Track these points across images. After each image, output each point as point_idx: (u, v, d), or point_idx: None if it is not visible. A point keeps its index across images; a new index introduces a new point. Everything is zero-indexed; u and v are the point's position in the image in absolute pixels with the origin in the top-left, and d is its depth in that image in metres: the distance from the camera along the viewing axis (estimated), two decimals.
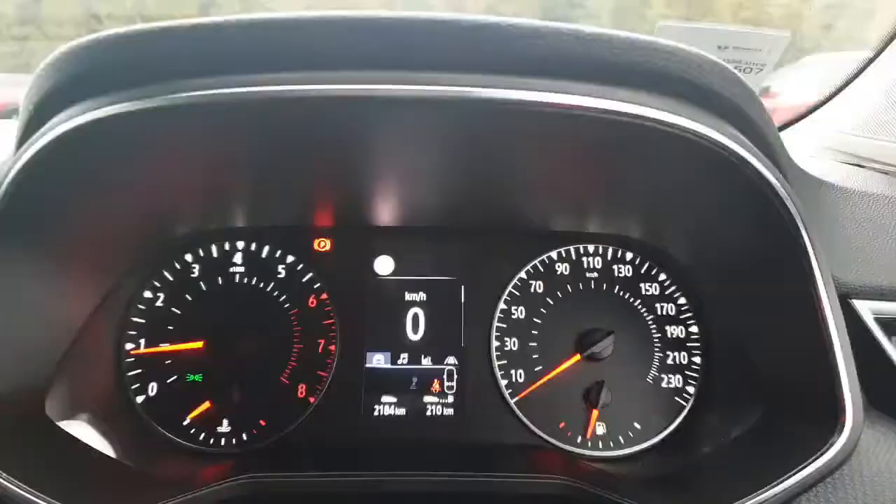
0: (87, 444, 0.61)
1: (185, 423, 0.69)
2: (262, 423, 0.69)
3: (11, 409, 0.55)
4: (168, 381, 0.69)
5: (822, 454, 0.51)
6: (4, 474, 0.49)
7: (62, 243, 0.58)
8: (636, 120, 0.47)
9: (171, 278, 0.71)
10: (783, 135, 1.02)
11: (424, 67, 0.46)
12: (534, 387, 0.71)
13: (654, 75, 0.47)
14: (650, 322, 0.72)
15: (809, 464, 0.51)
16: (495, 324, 0.73)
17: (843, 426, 0.52)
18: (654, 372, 0.71)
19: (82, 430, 0.62)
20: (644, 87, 0.48)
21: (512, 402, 0.70)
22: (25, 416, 0.57)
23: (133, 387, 0.69)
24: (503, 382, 0.71)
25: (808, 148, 0.99)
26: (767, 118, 0.54)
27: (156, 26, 0.47)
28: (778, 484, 0.51)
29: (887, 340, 0.59)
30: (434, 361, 0.73)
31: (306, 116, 0.50)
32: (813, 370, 0.54)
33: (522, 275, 0.74)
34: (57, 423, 0.59)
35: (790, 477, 0.51)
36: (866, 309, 0.59)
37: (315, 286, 0.72)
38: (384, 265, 0.74)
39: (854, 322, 0.59)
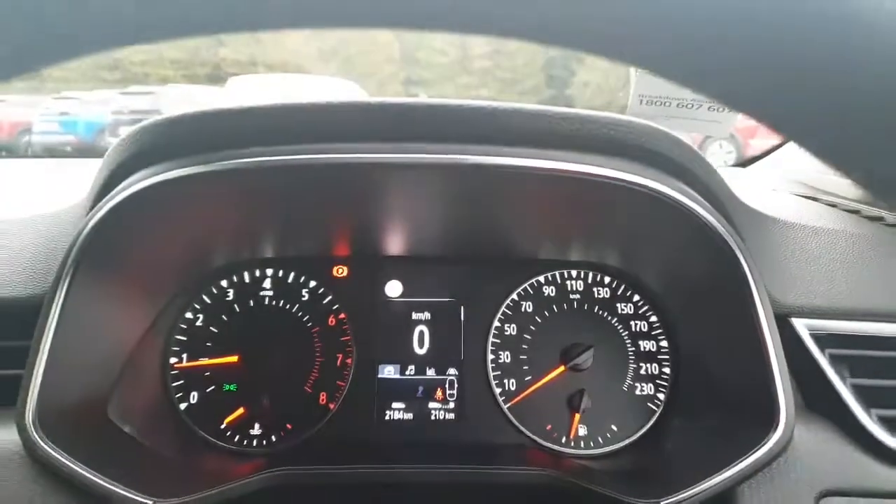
0: (140, 441, 0.71)
1: (221, 426, 0.79)
2: (289, 426, 0.79)
3: (81, 412, 0.66)
4: (207, 390, 0.80)
5: (760, 447, 0.61)
6: (77, 463, 0.60)
7: (125, 275, 0.69)
8: (599, 179, 0.59)
9: (209, 302, 0.82)
10: (762, 164, 1.14)
11: (430, 140, 0.58)
12: (524, 394, 0.81)
13: (614, 143, 0.59)
14: (625, 337, 0.82)
15: (750, 455, 0.61)
16: (490, 339, 0.83)
17: (778, 425, 0.62)
18: (629, 381, 0.81)
19: (136, 430, 0.73)
20: (605, 153, 0.60)
21: (505, 407, 0.81)
22: (92, 417, 0.68)
23: (177, 395, 0.79)
24: (497, 390, 0.81)
25: (774, 181, 1.09)
26: (711, 170, 0.65)
27: (210, 110, 0.59)
28: (724, 472, 0.61)
29: (820, 353, 0.68)
30: (437, 373, 0.83)
31: (333, 177, 0.62)
32: (755, 378, 0.65)
33: (514, 297, 0.84)
34: (117, 424, 0.70)
35: (734, 466, 0.61)
36: (803, 326, 0.69)
37: (334, 307, 0.83)
38: (394, 289, 0.85)
39: (793, 337, 0.69)
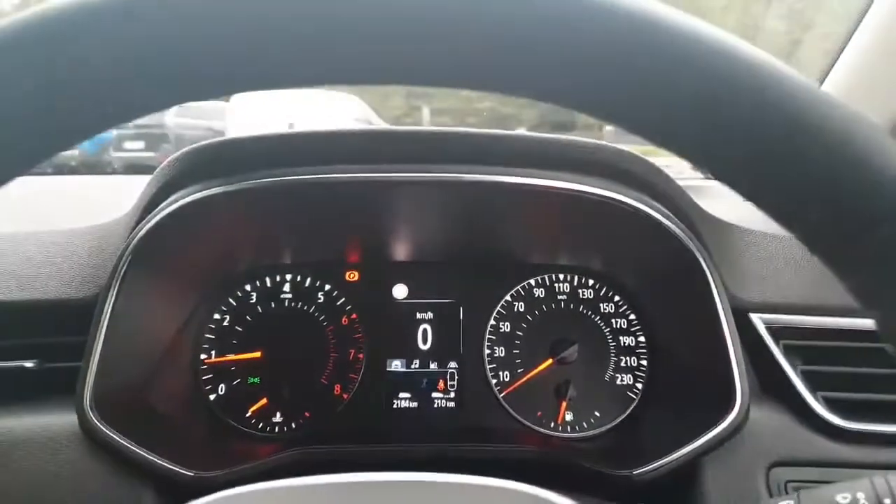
0: (176, 426, 0.81)
1: (247, 415, 0.88)
2: (307, 414, 0.89)
3: (127, 398, 0.76)
4: (233, 383, 0.89)
5: (719, 425, 0.71)
6: (128, 441, 0.69)
7: (165, 279, 0.79)
8: (578, 194, 0.70)
9: (234, 304, 0.91)
10: None
11: (433, 161, 0.70)
12: (517, 384, 0.90)
13: (590, 164, 0.70)
14: (607, 333, 0.91)
15: (710, 431, 0.71)
16: (487, 336, 0.92)
17: (735, 406, 0.71)
18: (610, 372, 0.90)
19: (172, 416, 0.82)
20: (583, 172, 0.70)
21: (500, 396, 0.90)
22: (136, 403, 0.77)
23: (206, 387, 0.89)
24: (493, 381, 0.91)
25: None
26: (674, 185, 0.76)
27: (247, 136, 0.71)
28: (689, 445, 0.71)
29: (774, 343, 0.77)
30: (439, 366, 0.92)
31: (349, 192, 0.73)
32: (716, 367, 0.74)
33: (508, 298, 0.94)
34: (157, 410, 0.80)
35: (697, 440, 0.71)
36: (759, 320, 0.78)
37: (346, 308, 0.92)
38: (400, 291, 0.94)
39: (751, 330, 0.78)
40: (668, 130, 0.25)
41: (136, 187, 0.78)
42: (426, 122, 7.05)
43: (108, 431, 0.69)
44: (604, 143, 0.72)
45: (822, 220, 0.26)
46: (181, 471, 0.69)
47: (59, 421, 0.71)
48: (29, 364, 0.74)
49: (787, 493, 0.70)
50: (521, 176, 0.73)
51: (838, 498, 0.45)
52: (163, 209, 0.70)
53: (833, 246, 0.28)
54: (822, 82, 0.90)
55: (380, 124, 6.46)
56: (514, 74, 0.24)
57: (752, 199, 0.27)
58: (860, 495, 0.44)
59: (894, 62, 0.80)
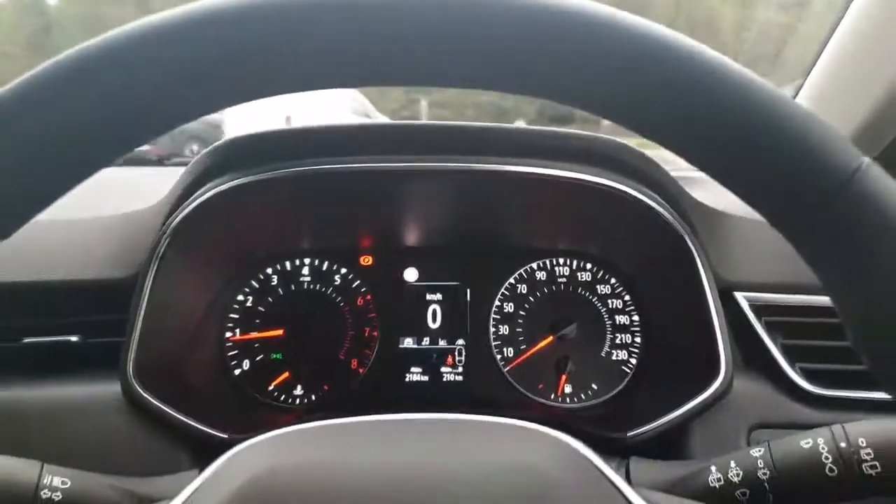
0: (206, 394, 0.88)
1: (270, 388, 0.95)
2: (326, 387, 0.96)
3: (164, 369, 0.82)
4: (257, 358, 0.96)
5: (705, 392, 0.78)
6: (167, 406, 0.76)
7: (197, 262, 0.86)
8: (575, 182, 0.77)
9: (256, 286, 0.98)
10: None
11: (441, 153, 0.77)
12: (520, 359, 0.97)
13: (586, 154, 0.77)
14: (604, 313, 0.98)
15: (697, 398, 0.78)
16: (492, 315, 0.99)
17: (720, 375, 0.78)
18: (606, 348, 0.97)
19: (201, 389, 0.89)
20: (580, 161, 0.77)
21: (504, 370, 0.97)
22: (172, 373, 0.84)
23: (232, 363, 0.96)
24: (497, 357, 0.98)
25: None
26: (665, 174, 0.83)
27: (274, 130, 0.78)
28: (677, 410, 0.78)
29: (756, 320, 0.84)
30: (448, 343, 0.99)
31: (365, 181, 0.80)
32: (703, 341, 0.80)
33: (511, 280, 1.00)
34: (188, 381, 0.87)
35: (685, 406, 0.78)
36: (743, 298, 0.84)
37: (362, 290, 0.99)
38: (411, 274, 1.00)
39: (736, 308, 0.85)
40: (646, 121, 0.32)
41: (133, 178, 0.85)
42: (424, 114, 7.09)
43: (149, 398, 0.76)
44: (601, 135, 0.79)
45: (780, 199, 0.33)
46: (215, 433, 0.76)
47: (102, 390, 0.78)
48: (73, 338, 0.81)
49: None
50: (524, 166, 0.80)
51: (802, 443, 0.53)
52: (199, 196, 0.77)
53: (790, 221, 0.34)
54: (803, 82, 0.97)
55: (377, 117, 6.52)
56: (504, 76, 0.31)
57: (722, 181, 0.34)
58: (820, 440, 0.51)
59: (860, 71, 0.86)
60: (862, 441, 0.49)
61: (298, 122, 0.87)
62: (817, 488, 0.50)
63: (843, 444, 0.50)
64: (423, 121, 0.81)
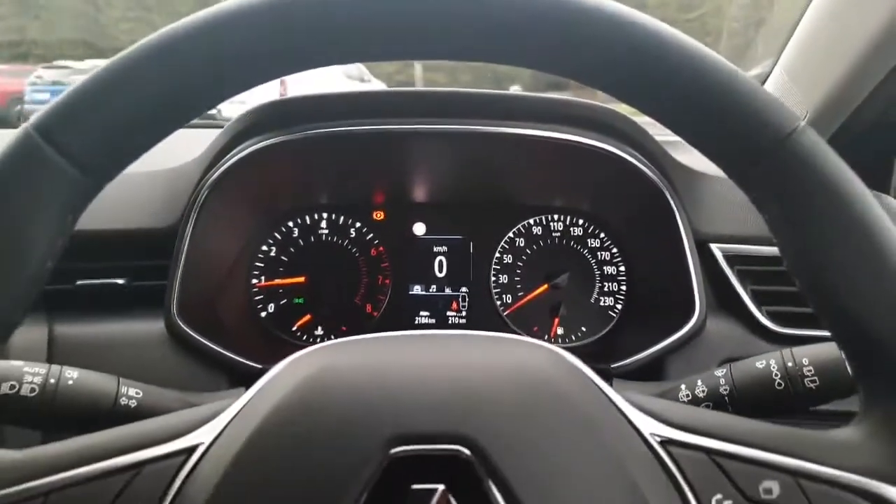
0: (238, 333, 0.98)
1: (293, 328, 1.06)
2: (343, 328, 1.06)
3: (202, 308, 0.92)
4: (281, 302, 1.06)
5: (681, 329, 0.89)
6: (207, 339, 0.86)
7: (229, 213, 0.95)
8: (568, 143, 0.87)
9: (279, 237, 1.08)
10: None
11: (448, 116, 0.87)
12: (517, 305, 1.07)
13: (579, 118, 0.87)
14: (593, 264, 1.09)
15: (674, 335, 0.89)
16: (492, 266, 1.09)
17: (694, 315, 0.89)
18: (595, 295, 1.08)
19: (233, 329, 0.99)
20: (573, 125, 0.87)
21: (503, 314, 1.07)
22: (209, 313, 0.94)
23: (258, 306, 1.06)
24: (497, 303, 1.08)
25: None
26: (651, 139, 0.92)
27: (301, 96, 0.87)
28: (655, 346, 0.89)
29: (729, 268, 0.92)
30: (453, 290, 1.09)
31: (379, 142, 0.90)
32: (680, 287, 0.90)
33: (510, 234, 1.10)
34: (222, 321, 0.97)
35: (663, 342, 0.89)
36: (717, 249, 0.92)
37: (375, 242, 1.09)
38: (419, 228, 1.10)
39: (710, 258, 0.94)
40: (621, 88, 0.42)
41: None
42: (419, 78, 7.10)
43: (190, 332, 0.86)
44: (592, 101, 0.89)
45: (729, 153, 0.43)
46: (250, 363, 0.86)
47: (147, 326, 0.88)
48: (120, 281, 0.91)
49: None
50: (521, 128, 0.90)
51: (757, 364, 0.63)
52: (236, 154, 0.87)
53: (737, 172, 0.44)
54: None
55: (372, 80, 6.55)
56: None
57: (684, 138, 0.43)
58: (772, 361, 0.62)
59: (824, 52, 0.96)
60: (805, 360, 0.60)
61: (293, 87, 0.97)
62: (767, 400, 0.61)
63: (790, 364, 0.60)
64: (432, 88, 0.91)
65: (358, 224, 1.09)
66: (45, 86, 7.74)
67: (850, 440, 0.41)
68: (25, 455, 0.40)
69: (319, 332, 1.06)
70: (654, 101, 0.42)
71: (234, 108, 0.99)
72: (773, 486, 0.39)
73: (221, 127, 0.95)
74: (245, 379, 0.85)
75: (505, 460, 0.37)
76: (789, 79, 1.01)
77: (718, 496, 0.40)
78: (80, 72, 7.66)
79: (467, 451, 0.37)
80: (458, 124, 0.91)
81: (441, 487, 0.37)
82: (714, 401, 0.63)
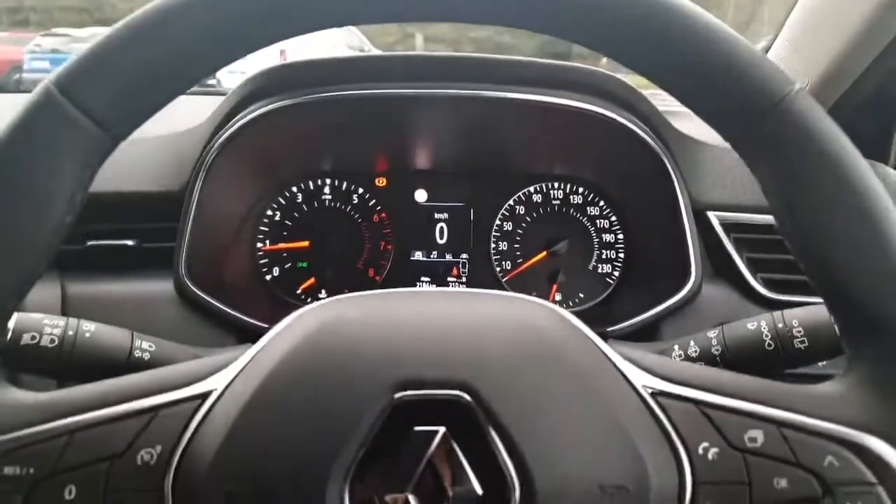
0: (244, 295, 1.00)
1: (297, 292, 1.08)
2: (346, 291, 1.08)
3: (209, 270, 0.94)
4: (286, 266, 1.08)
5: (677, 294, 0.91)
6: (215, 299, 0.88)
7: (235, 177, 0.97)
8: (569, 108, 0.88)
9: (283, 202, 1.09)
10: None
11: (448, 80, 0.88)
12: (516, 271, 1.09)
13: (581, 85, 0.88)
14: (592, 232, 1.10)
15: (670, 300, 0.91)
16: (492, 233, 1.10)
17: (690, 280, 0.91)
18: (593, 262, 1.09)
19: (239, 292, 1.02)
20: (574, 91, 0.88)
21: (503, 280, 1.10)
22: (215, 274, 0.96)
23: (264, 269, 1.08)
24: (497, 269, 1.10)
25: None
26: (653, 107, 0.93)
27: (305, 60, 0.88)
28: (651, 310, 0.91)
29: (725, 236, 0.93)
30: (453, 256, 1.11)
31: (381, 107, 0.92)
32: (677, 253, 0.92)
33: (510, 202, 1.11)
34: (229, 283, 0.99)
35: (659, 306, 0.91)
36: (714, 217, 0.94)
37: (377, 208, 1.10)
38: (421, 195, 1.11)
39: (708, 226, 0.96)
40: (632, 55, 0.43)
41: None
42: (419, 49, 7.06)
43: (198, 292, 0.88)
44: (595, 68, 0.90)
45: (725, 115, 0.45)
46: (257, 322, 0.89)
47: (156, 286, 0.90)
48: (130, 242, 0.93)
49: None
50: (522, 93, 0.91)
51: (748, 325, 0.65)
52: (242, 117, 0.88)
53: (733, 133, 0.46)
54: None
55: (372, 51, 6.50)
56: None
57: (682, 101, 0.45)
58: (763, 322, 0.64)
59: (825, 24, 0.96)
60: (795, 322, 0.62)
61: (293, 56, 0.98)
62: (757, 360, 0.63)
63: (780, 325, 0.62)
64: (434, 52, 0.93)
65: (361, 190, 1.10)
66: (44, 53, 7.71)
67: (833, 393, 0.44)
68: (50, 397, 0.42)
69: (323, 295, 1.08)
70: (650, 62, 0.43)
71: (235, 77, 1.01)
72: (757, 436, 0.42)
73: (223, 95, 0.97)
74: (252, 338, 0.87)
75: (502, 406, 0.39)
76: (792, 48, 1.02)
77: (705, 444, 0.42)
78: (79, 39, 7.61)
79: (467, 397, 0.39)
80: (460, 89, 0.92)
81: (442, 429, 0.39)
82: (706, 360, 0.65)
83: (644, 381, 0.44)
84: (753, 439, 0.42)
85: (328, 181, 1.10)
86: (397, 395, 0.39)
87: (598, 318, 1.01)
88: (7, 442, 0.39)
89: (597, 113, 0.91)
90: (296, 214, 1.09)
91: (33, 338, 0.56)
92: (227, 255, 0.99)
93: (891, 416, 0.41)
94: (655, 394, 0.44)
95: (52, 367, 0.57)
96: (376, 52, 6.28)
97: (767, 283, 0.93)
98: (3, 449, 0.39)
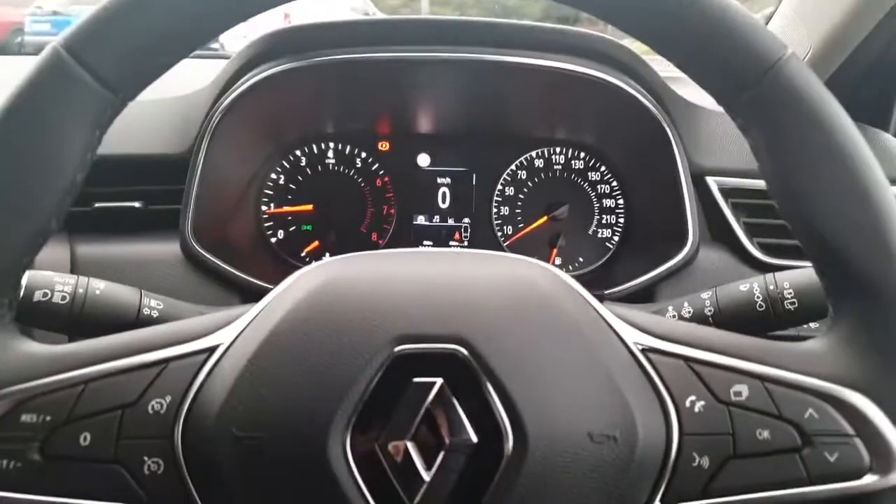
0: (249, 257, 1.02)
1: (302, 254, 1.10)
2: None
3: (215, 232, 0.95)
4: (290, 229, 1.09)
5: (674, 258, 0.92)
6: (220, 260, 0.90)
7: (240, 139, 0.98)
8: (571, 73, 0.88)
9: (287, 166, 1.10)
10: None
11: (451, 43, 0.89)
12: (518, 236, 1.11)
13: (584, 50, 0.89)
14: (593, 197, 1.11)
15: (666, 263, 0.93)
16: (494, 198, 1.11)
17: (687, 244, 0.92)
18: (593, 227, 1.10)
19: (244, 254, 1.03)
20: (577, 55, 0.89)
21: (504, 245, 1.11)
22: (221, 236, 0.98)
23: (268, 232, 1.10)
24: (498, 234, 1.11)
25: None
26: (654, 73, 0.94)
27: (310, 23, 0.89)
28: (649, 273, 0.93)
29: (724, 201, 0.95)
30: (455, 221, 1.12)
31: (384, 70, 0.92)
32: (675, 217, 0.93)
33: (512, 167, 1.12)
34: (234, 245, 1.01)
35: (656, 270, 0.93)
36: (713, 182, 0.95)
37: (380, 172, 1.11)
38: (424, 160, 1.12)
39: (706, 191, 0.97)
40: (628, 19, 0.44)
41: None
42: (424, 12, 6.96)
43: (204, 254, 0.90)
44: (599, 34, 0.90)
45: (718, 80, 0.46)
46: (263, 283, 0.91)
47: (163, 248, 0.92)
48: (137, 205, 0.94)
49: None
50: (524, 57, 0.92)
51: (741, 287, 0.67)
52: (247, 80, 0.89)
53: (726, 97, 0.47)
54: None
55: (377, 14, 6.42)
56: None
57: (677, 65, 0.46)
58: (755, 284, 0.66)
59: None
60: (786, 284, 0.64)
61: (297, 19, 0.98)
62: (748, 321, 0.65)
63: (771, 287, 0.64)
64: (439, 16, 0.93)
65: (364, 154, 1.11)
66: (44, 16, 7.65)
67: (816, 350, 0.45)
68: (65, 349, 0.44)
69: (327, 258, 1.09)
70: (644, 25, 0.44)
71: (238, 41, 1.01)
72: (742, 390, 0.44)
73: (226, 58, 0.97)
74: (256, 299, 0.89)
75: (497, 360, 0.41)
76: (794, 15, 1.02)
77: (692, 398, 0.44)
78: (79, 1, 7.54)
79: (464, 351, 0.41)
80: (464, 52, 0.92)
81: (440, 381, 0.41)
82: (698, 321, 0.67)
83: (635, 338, 0.46)
84: (739, 393, 0.44)
85: (332, 145, 1.11)
86: (397, 349, 0.41)
87: (597, 282, 1.02)
88: (25, 391, 0.42)
89: (599, 78, 0.91)
90: (300, 178, 1.10)
91: (45, 295, 0.58)
92: (232, 218, 1.01)
93: (870, 371, 0.42)
94: (646, 350, 0.46)
95: (63, 323, 0.59)
96: (381, 15, 6.21)
97: (763, 248, 0.95)
98: (22, 397, 0.41)
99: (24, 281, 0.57)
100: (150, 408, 0.42)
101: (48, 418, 0.41)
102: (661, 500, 0.43)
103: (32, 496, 0.41)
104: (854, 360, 0.43)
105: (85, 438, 0.41)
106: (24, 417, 0.41)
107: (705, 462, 0.43)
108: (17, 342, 0.44)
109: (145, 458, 0.42)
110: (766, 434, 0.43)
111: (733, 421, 0.43)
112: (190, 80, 1.00)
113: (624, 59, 0.93)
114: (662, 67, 0.97)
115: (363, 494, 0.40)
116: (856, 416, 0.42)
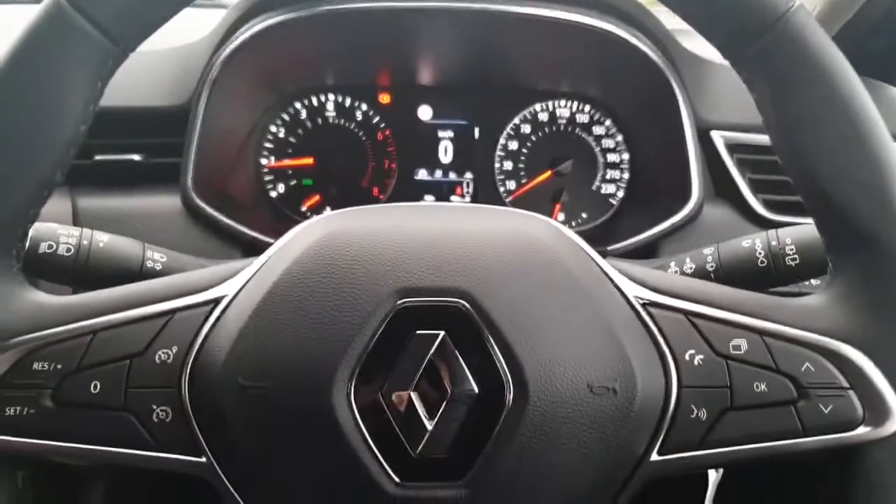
0: (250, 211, 1.02)
1: (302, 209, 1.10)
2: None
3: (215, 185, 0.95)
4: (290, 183, 1.09)
5: (678, 214, 0.92)
6: (220, 213, 0.90)
7: (239, 91, 0.96)
8: (575, 24, 0.87)
9: (287, 118, 1.08)
10: None
11: None
12: (521, 191, 1.10)
13: (589, 2, 0.87)
14: (597, 151, 1.10)
15: (670, 219, 0.92)
16: (497, 152, 1.10)
17: (691, 200, 0.92)
18: (597, 183, 1.10)
19: (245, 209, 1.03)
20: (582, 6, 0.87)
21: (506, 200, 1.11)
22: (221, 190, 0.98)
23: (268, 186, 1.09)
24: (501, 189, 1.11)
25: None
26: (661, 26, 0.92)
27: None
28: (652, 229, 0.93)
29: (729, 156, 0.93)
30: (457, 176, 1.11)
31: (386, 20, 0.90)
32: (680, 173, 0.92)
33: (516, 120, 1.10)
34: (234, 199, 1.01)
35: (659, 226, 0.93)
36: (719, 137, 0.94)
37: (381, 126, 1.10)
38: (425, 113, 1.10)
39: (711, 146, 0.96)
40: None
41: None
42: None
43: (205, 206, 0.90)
44: None
45: (723, 31, 0.45)
46: (264, 238, 0.91)
47: (163, 201, 0.92)
48: (137, 157, 0.93)
49: None
50: (530, 7, 0.90)
51: (743, 243, 0.67)
52: (245, 30, 0.87)
53: (731, 49, 0.46)
54: None
55: None
56: None
57: (681, 16, 0.45)
58: (757, 240, 0.66)
59: None
60: (788, 240, 0.64)
61: None
62: (749, 276, 0.65)
63: (773, 243, 0.64)
64: None
65: (364, 107, 1.10)
66: None
67: (814, 305, 0.46)
68: (74, 300, 0.45)
69: (328, 212, 1.09)
70: None
71: None
72: (741, 344, 0.44)
73: (224, 8, 0.95)
74: (257, 252, 0.89)
75: (498, 312, 0.42)
76: None
77: (692, 351, 0.45)
78: None
79: (466, 304, 0.42)
80: (467, 2, 0.90)
81: (442, 333, 0.41)
82: (700, 276, 0.67)
83: (636, 293, 0.47)
84: (737, 347, 0.44)
85: (332, 97, 1.09)
86: (400, 302, 0.42)
87: (600, 238, 1.02)
88: (36, 339, 0.42)
89: (604, 30, 0.89)
90: (300, 131, 1.09)
91: (50, 246, 0.58)
92: (232, 171, 1.00)
93: (866, 326, 0.43)
94: (646, 304, 0.46)
95: (68, 275, 0.60)
96: None
97: (768, 204, 0.94)
98: (33, 346, 0.42)
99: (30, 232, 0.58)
100: (157, 357, 0.43)
101: (59, 366, 0.42)
102: (659, 451, 0.44)
103: (46, 441, 0.42)
104: (851, 315, 0.44)
105: (95, 386, 0.42)
106: (36, 365, 0.42)
107: (703, 414, 0.43)
108: (26, 292, 0.45)
109: (153, 407, 0.43)
110: (763, 387, 0.43)
111: (731, 374, 0.44)
112: (188, 30, 0.98)
113: (630, 10, 0.91)
114: (668, 20, 0.95)
115: (367, 442, 0.40)
116: (851, 370, 0.43)
